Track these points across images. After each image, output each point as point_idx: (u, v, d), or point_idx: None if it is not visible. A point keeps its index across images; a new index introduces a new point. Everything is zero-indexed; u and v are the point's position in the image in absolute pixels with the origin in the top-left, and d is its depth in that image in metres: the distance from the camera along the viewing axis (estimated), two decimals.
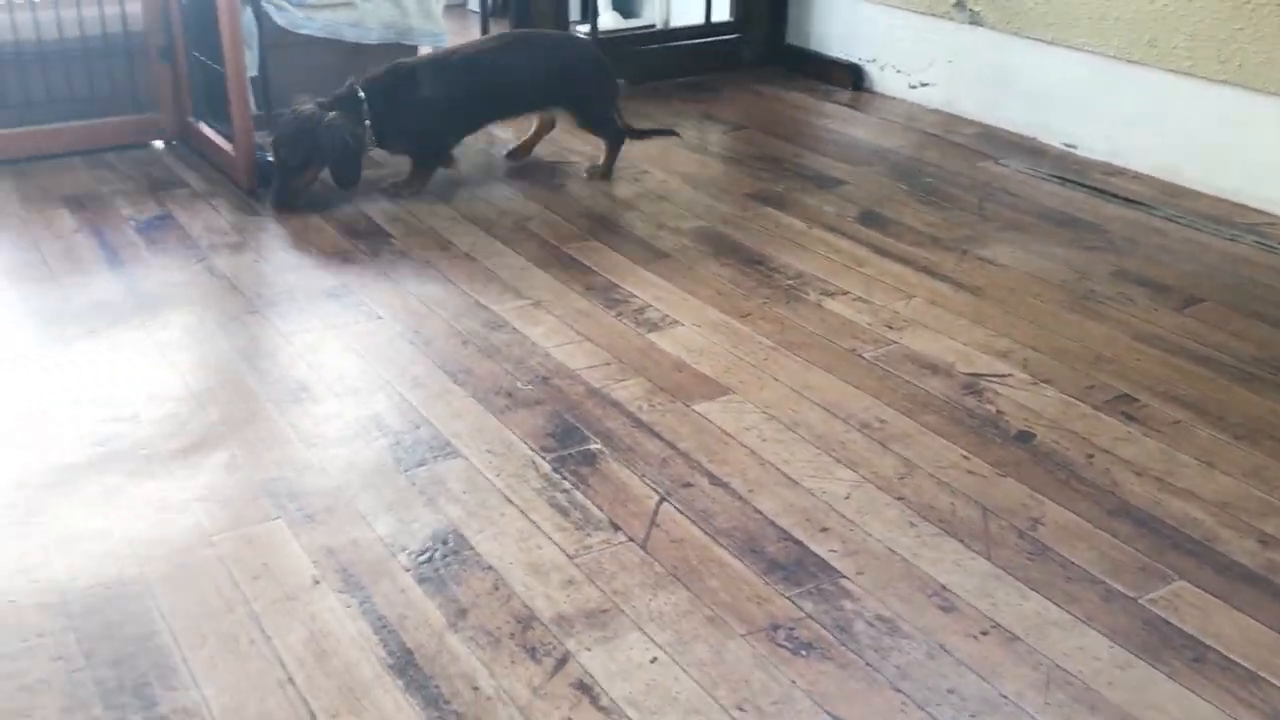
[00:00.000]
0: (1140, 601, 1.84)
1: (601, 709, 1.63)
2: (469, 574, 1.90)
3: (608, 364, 2.55)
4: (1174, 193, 3.46)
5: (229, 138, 3.50)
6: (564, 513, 2.05)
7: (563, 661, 1.72)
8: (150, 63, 3.77)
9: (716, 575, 1.90)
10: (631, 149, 3.71)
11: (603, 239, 3.19)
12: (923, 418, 2.33)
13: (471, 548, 1.96)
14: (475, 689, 1.66)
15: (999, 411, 2.36)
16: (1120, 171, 3.64)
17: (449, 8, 4.90)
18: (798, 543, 1.97)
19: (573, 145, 3.88)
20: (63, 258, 3.04)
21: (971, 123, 4.09)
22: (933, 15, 4.18)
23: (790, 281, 2.93)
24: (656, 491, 2.11)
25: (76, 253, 3.07)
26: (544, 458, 2.21)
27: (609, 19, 5.41)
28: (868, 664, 1.72)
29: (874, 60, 4.48)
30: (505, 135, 3.89)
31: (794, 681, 1.68)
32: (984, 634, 1.77)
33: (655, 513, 2.05)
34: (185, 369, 2.51)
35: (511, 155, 3.75)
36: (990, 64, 4.04)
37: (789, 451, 2.23)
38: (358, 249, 3.12)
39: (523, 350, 2.60)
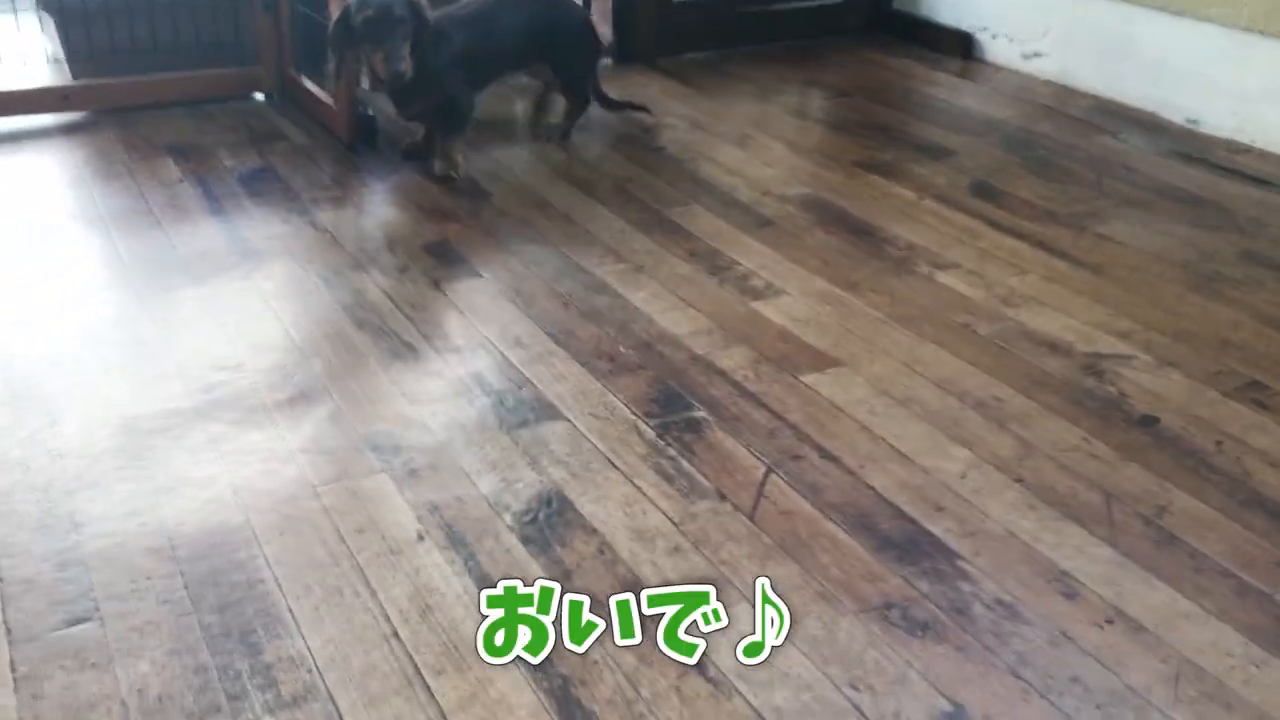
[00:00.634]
0: (1276, 598, 1.75)
1: (709, 680, 1.59)
2: (573, 536, 1.87)
3: (711, 331, 2.49)
4: None
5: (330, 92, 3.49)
6: (669, 480, 2.01)
7: None
8: (253, 14, 3.77)
9: (827, 550, 1.84)
10: (733, 113, 3.63)
11: (704, 204, 3.12)
12: (1041, 397, 2.25)
13: (575, 510, 1.93)
14: (581, 654, 1.63)
15: (1121, 394, 2.26)
16: (1246, 149, 3.48)
17: None
18: (911, 521, 1.91)
19: (671, 107, 3.81)
20: (167, 206, 3.06)
21: (1087, 95, 3.94)
22: None
23: (900, 253, 2.84)
24: (763, 462, 2.06)
25: (181, 201, 3.09)
26: (648, 424, 2.17)
27: None
28: (986, 648, 1.65)
29: (985, 28, 4.34)
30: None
31: (909, 662, 1.62)
32: (1109, 623, 1.70)
33: (763, 483, 2.00)
34: (289, 320, 2.51)
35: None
36: (1108, 34, 3.88)
37: (901, 427, 2.16)
38: (458, 206, 3.10)
39: (624, 314, 2.56)
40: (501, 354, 2.39)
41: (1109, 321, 2.52)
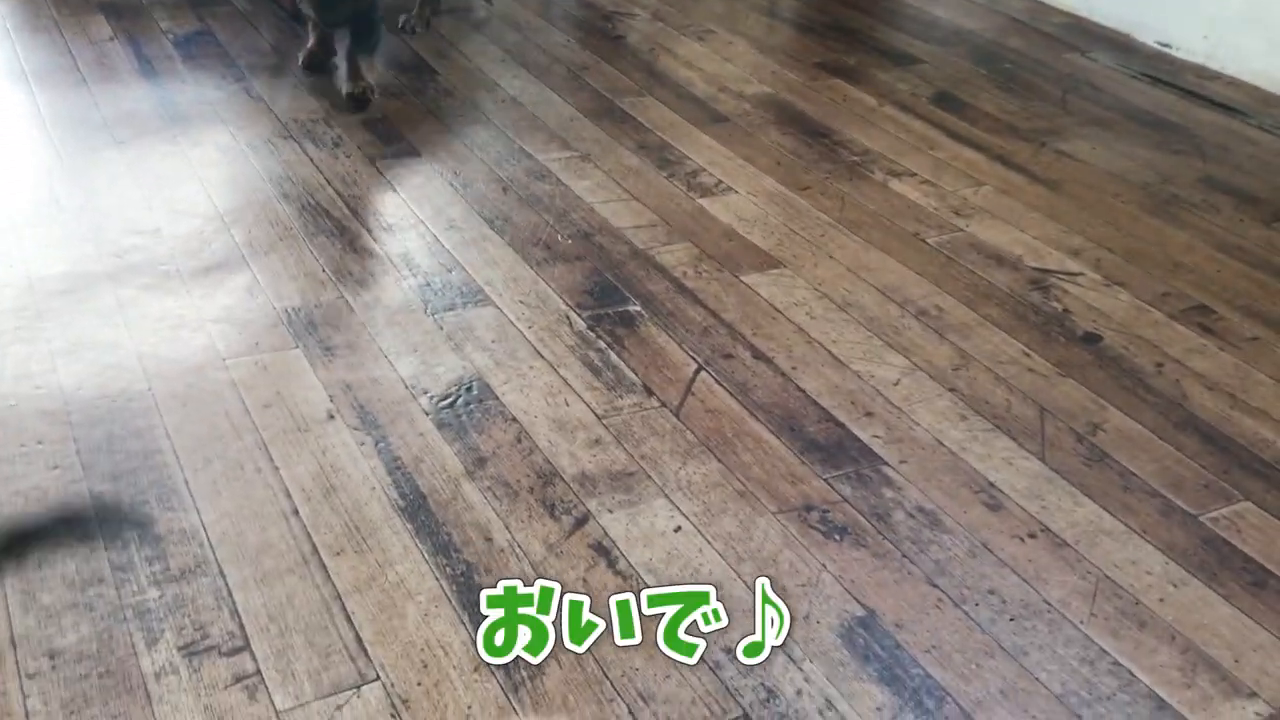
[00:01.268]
0: (1201, 519, 1.72)
1: (618, 573, 1.54)
2: (491, 424, 1.80)
3: (654, 225, 2.41)
4: (1272, 102, 3.23)
5: None
6: (596, 372, 1.94)
7: (582, 521, 1.62)
8: None
9: (751, 450, 1.79)
10: (699, 8, 3.50)
11: (659, 96, 3.01)
12: (984, 309, 2.19)
13: (496, 397, 1.86)
14: (488, 540, 1.57)
15: (1066, 310, 2.21)
16: (1216, 76, 3.40)
17: None
18: (839, 425, 1.86)
19: None
20: (95, 64, 2.90)
21: (1060, 12, 3.84)
22: None
23: (855, 158, 2.76)
24: (695, 359, 1.99)
25: (110, 61, 2.93)
26: (580, 315, 2.09)
27: None
28: (904, 555, 1.61)
29: None
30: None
31: (824, 565, 1.58)
32: (1031, 536, 1.66)
33: (692, 381, 1.94)
34: (213, 188, 2.40)
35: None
36: None
37: (838, 331, 2.10)
38: (400, 82, 2.97)
39: (565, 203, 2.46)
40: (434, 235, 2.29)
41: (1060, 238, 2.46)
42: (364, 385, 1.86)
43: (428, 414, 1.81)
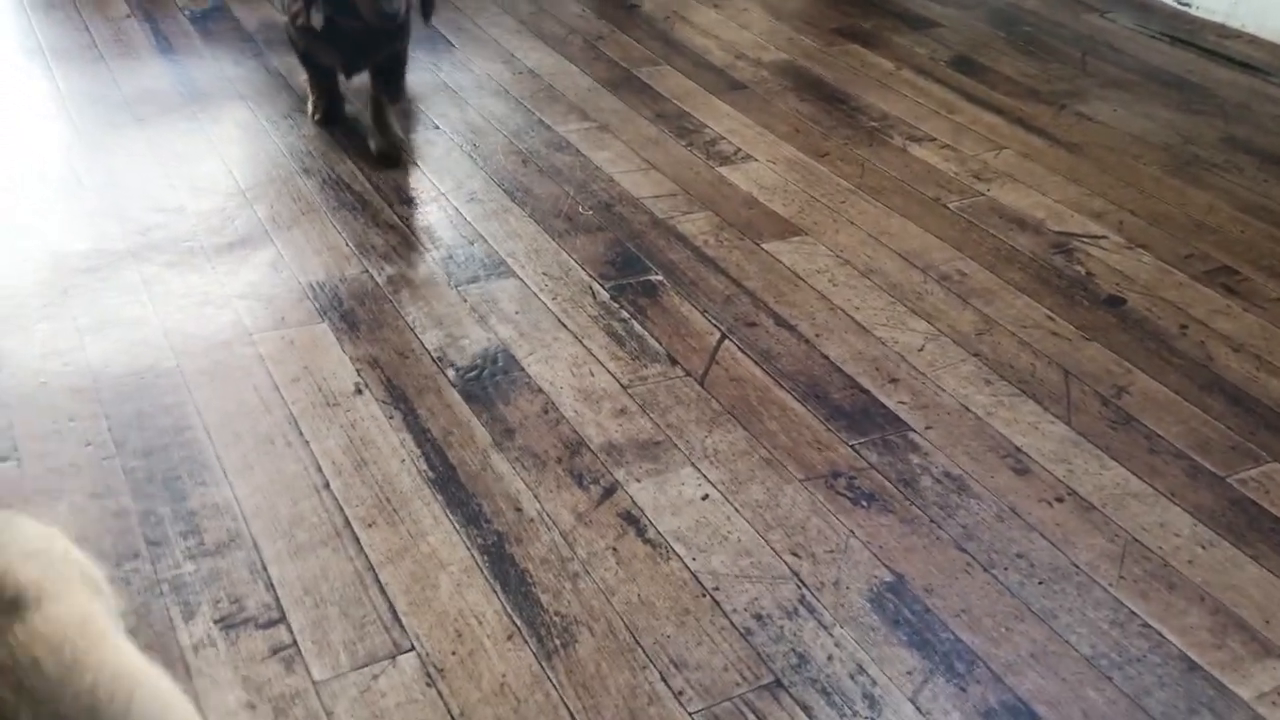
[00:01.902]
0: (1228, 480, 1.72)
1: (648, 541, 1.55)
2: (518, 395, 1.81)
3: (674, 195, 2.40)
4: None
5: None
6: (620, 342, 1.95)
7: (610, 490, 1.63)
8: None
9: (776, 418, 1.79)
10: None
11: (677, 65, 3.00)
12: (1007, 274, 2.18)
13: (522, 369, 1.86)
14: (518, 510, 1.59)
15: (1089, 273, 2.20)
16: (1237, 34, 3.37)
17: None
18: (864, 391, 1.86)
19: None
20: (113, 42, 2.90)
21: None
22: None
23: (874, 123, 2.75)
24: (718, 328, 1.99)
25: (128, 38, 2.93)
26: (602, 285, 2.09)
27: None
28: (932, 520, 1.62)
29: None
30: None
31: (852, 531, 1.59)
32: (1058, 500, 1.67)
33: (716, 349, 1.94)
34: (234, 164, 2.40)
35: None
36: None
37: (861, 298, 2.09)
38: (418, 57, 2.96)
39: (585, 174, 2.46)
40: (455, 208, 2.30)
41: (1083, 201, 2.45)
42: (390, 359, 1.87)
43: (454, 386, 1.82)
